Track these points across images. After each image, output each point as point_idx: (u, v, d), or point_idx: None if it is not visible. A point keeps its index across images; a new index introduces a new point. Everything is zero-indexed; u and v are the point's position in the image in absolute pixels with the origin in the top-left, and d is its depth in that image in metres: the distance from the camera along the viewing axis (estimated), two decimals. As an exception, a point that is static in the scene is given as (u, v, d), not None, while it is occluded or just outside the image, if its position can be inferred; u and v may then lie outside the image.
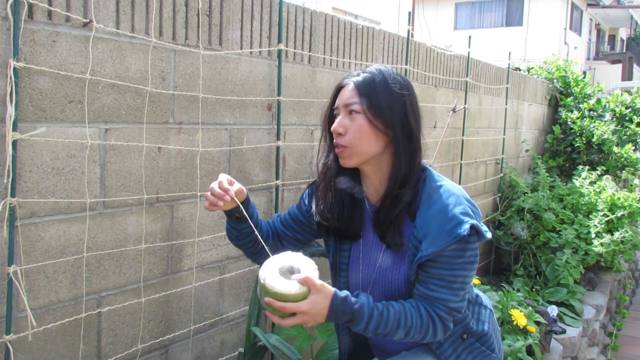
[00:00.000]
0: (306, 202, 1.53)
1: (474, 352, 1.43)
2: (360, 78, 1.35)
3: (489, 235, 1.28)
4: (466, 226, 1.23)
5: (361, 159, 1.34)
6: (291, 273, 1.21)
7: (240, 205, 1.36)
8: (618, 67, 21.61)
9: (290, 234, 1.54)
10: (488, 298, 1.57)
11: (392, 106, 1.32)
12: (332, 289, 1.22)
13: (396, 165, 1.34)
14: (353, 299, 1.24)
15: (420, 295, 1.32)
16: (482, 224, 1.29)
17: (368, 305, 1.25)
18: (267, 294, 1.18)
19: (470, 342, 1.43)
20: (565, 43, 19.73)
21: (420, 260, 1.28)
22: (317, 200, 1.45)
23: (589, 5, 22.19)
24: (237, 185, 1.37)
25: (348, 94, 1.34)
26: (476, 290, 1.54)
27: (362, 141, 1.32)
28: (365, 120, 1.31)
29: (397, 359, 1.44)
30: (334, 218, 1.41)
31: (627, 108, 5.72)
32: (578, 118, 5.33)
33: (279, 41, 2.09)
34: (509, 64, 4.44)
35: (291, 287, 1.18)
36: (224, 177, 1.34)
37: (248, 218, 1.39)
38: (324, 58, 2.37)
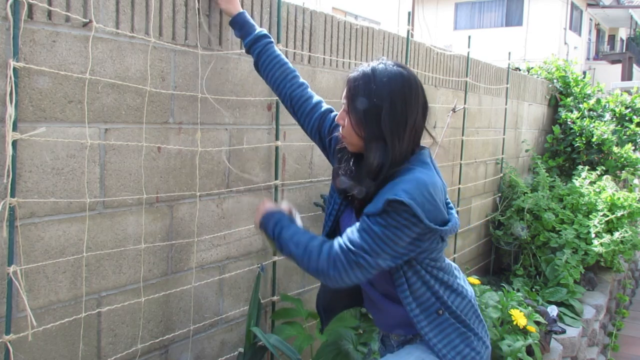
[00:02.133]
0: (328, 125, 1.71)
1: (450, 329, 1.50)
2: (352, 77, 1.47)
3: (425, 221, 1.35)
4: (393, 197, 1.34)
5: (355, 149, 1.51)
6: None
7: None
8: (618, 67, 21.62)
9: (302, 111, 1.75)
10: (472, 292, 1.62)
11: (367, 111, 1.43)
12: (270, 209, 1.57)
13: (369, 162, 1.45)
14: (270, 222, 1.54)
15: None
16: (425, 210, 1.35)
17: (273, 229, 1.53)
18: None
19: (445, 317, 1.50)
20: (565, 43, 19.74)
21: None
22: (335, 155, 1.64)
23: (589, 5, 22.20)
24: None
25: (344, 92, 1.50)
26: (463, 284, 1.59)
27: (351, 137, 1.48)
28: (349, 120, 1.46)
29: (390, 358, 1.54)
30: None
31: (626, 108, 5.72)
32: (578, 118, 5.33)
33: (278, 41, 2.09)
34: (509, 64, 4.45)
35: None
36: None
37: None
38: (324, 58, 2.37)
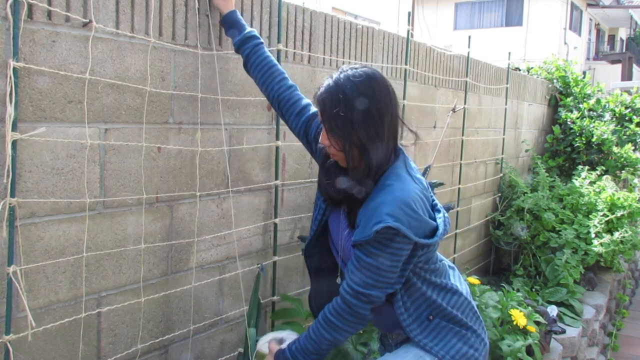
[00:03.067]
0: (314, 130, 1.71)
1: (444, 331, 1.51)
2: (318, 96, 1.47)
3: (415, 238, 1.37)
4: (381, 225, 1.34)
5: (345, 164, 1.50)
6: (281, 343, 1.64)
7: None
8: (618, 67, 21.62)
9: (289, 113, 1.75)
10: (468, 289, 1.63)
11: (340, 122, 1.42)
12: (277, 350, 1.57)
13: (350, 168, 1.48)
14: (283, 352, 1.54)
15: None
16: (412, 227, 1.36)
17: (290, 351, 1.52)
18: (256, 355, 1.71)
19: (437, 322, 1.51)
20: (565, 43, 19.74)
21: (351, 243, 1.45)
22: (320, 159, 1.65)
23: (589, 5, 22.19)
24: None
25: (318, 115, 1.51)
26: (454, 281, 1.60)
27: (338, 155, 1.49)
28: (330, 140, 1.47)
29: (388, 357, 1.56)
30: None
31: (626, 108, 5.72)
32: (578, 118, 5.33)
33: (278, 41, 2.09)
34: (509, 64, 4.44)
35: (264, 349, 1.66)
36: None
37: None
38: (324, 58, 2.37)
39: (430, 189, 1.58)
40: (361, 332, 2.21)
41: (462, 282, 1.63)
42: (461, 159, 3.74)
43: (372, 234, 1.35)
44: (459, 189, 3.75)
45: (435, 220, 1.48)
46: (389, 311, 1.55)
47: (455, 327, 1.51)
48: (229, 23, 1.79)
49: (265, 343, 1.66)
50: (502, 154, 4.51)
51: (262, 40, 1.80)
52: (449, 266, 1.65)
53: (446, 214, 1.53)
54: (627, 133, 5.55)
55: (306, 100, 1.76)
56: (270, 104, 1.81)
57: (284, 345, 1.57)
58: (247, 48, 1.77)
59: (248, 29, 1.79)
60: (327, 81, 1.46)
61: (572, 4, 20.28)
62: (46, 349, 1.49)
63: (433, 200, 1.54)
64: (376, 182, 1.44)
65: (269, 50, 2.07)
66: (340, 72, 1.46)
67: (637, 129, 5.55)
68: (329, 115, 1.44)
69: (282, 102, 1.76)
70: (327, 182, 1.56)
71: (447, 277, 1.58)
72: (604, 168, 5.01)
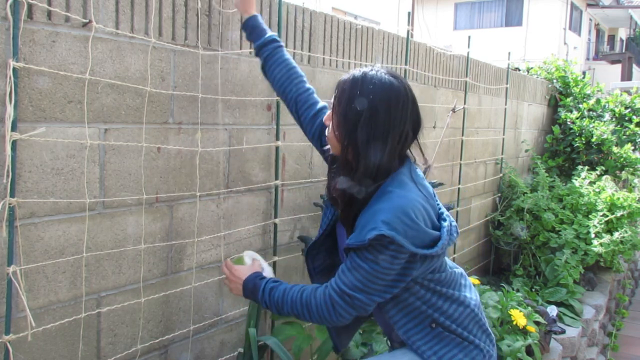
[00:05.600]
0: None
1: (445, 340, 1.48)
2: (342, 80, 1.46)
3: (411, 248, 1.34)
4: (375, 232, 1.32)
5: (335, 151, 1.50)
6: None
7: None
8: (617, 67, 21.62)
9: (305, 116, 1.75)
10: (477, 300, 1.59)
11: (347, 115, 1.41)
12: (256, 271, 1.60)
13: (342, 163, 1.48)
14: (259, 290, 1.54)
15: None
16: (408, 237, 1.34)
17: (263, 296, 1.53)
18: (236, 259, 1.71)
19: (439, 330, 1.48)
20: (565, 43, 19.74)
21: (344, 246, 1.44)
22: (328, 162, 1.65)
23: (589, 5, 22.20)
24: None
25: (334, 93, 1.48)
26: (464, 291, 1.56)
27: (332, 139, 1.48)
28: (332, 122, 1.46)
29: (384, 357, 1.55)
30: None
31: (626, 108, 5.73)
32: (577, 118, 5.33)
33: (279, 41, 2.09)
34: (509, 64, 4.45)
35: (248, 259, 1.71)
36: None
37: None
38: (324, 58, 2.37)
39: (435, 195, 1.54)
40: (361, 332, 2.21)
41: (472, 292, 1.58)
42: (461, 159, 3.74)
43: (366, 240, 1.34)
44: (458, 189, 3.75)
45: (441, 229, 1.44)
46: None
47: (457, 337, 1.48)
48: (250, 27, 1.79)
49: (251, 257, 1.71)
50: (502, 154, 4.52)
51: (282, 43, 1.79)
52: (461, 274, 1.59)
53: (454, 223, 1.49)
54: (627, 133, 5.55)
55: (322, 104, 1.74)
56: (287, 106, 1.79)
57: (265, 273, 1.61)
58: (267, 50, 1.76)
59: (269, 33, 1.78)
60: (356, 72, 1.44)
61: (572, 4, 20.28)
62: (46, 349, 1.49)
63: (440, 209, 1.50)
64: (377, 188, 1.42)
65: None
66: (372, 70, 1.44)
67: (637, 129, 5.55)
68: (343, 103, 1.42)
69: (298, 104, 1.74)
70: (330, 185, 1.55)
71: (455, 287, 1.53)
72: (604, 168, 5.01)
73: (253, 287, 1.54)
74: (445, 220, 1.46)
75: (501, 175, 4.55)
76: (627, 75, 20.48)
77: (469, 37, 3.78)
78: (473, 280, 2.87)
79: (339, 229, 1.63)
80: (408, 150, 1.50)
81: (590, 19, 23.68)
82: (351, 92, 1.41)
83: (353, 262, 1.39)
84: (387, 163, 1.42)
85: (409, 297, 1.47)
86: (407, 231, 1.33)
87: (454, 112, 3.23)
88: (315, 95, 1.75)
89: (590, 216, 4.21)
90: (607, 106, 5.71)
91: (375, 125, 1.39)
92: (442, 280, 1.49)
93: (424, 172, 1.63)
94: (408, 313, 1.49)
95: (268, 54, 1.76)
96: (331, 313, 1.43)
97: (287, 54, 1.78)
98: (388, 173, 1.42)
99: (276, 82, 1.77)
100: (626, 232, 4.09)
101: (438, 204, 1.52)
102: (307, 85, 1.76)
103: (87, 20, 1.48)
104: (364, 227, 1.36)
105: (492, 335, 1.58)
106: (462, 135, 3.71)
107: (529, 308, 2.94)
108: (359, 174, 1.41)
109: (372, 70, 1.43)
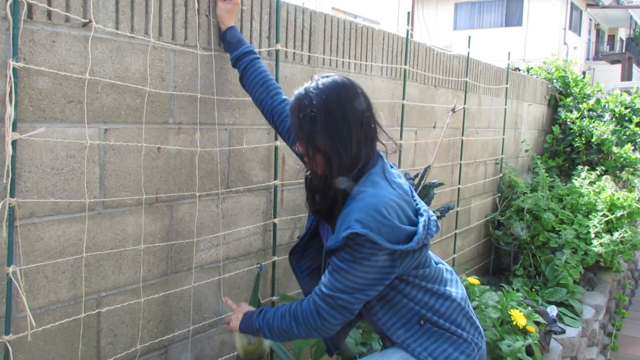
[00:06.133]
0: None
1: (435, 336, 1.50)
2: (289, 106, 1.53)
3: (386, 244, 1.36)
4: (348, 231, 1.35)
5: (312, 169, 1.55)
6: None
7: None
8: (617, 67, 21.63)
9: (282, 127, 1.80)
10: (463, 293, 1.60)
11: (304, 127, 1.45)
12: (249, 309, 1.64)
13: (314, 174, 1.54)
14: (254, 315, 1.59)
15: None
16: (382, 234, 1.36)
17: (257, 319, 1.57)
18: None
19: (428, 327, 1.50)
20: (565, 43, 19.74)
21: (325, 249, 1.49)
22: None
23: (589, 5, 22.20)
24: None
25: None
26: (449, 285, 1.58)
27: (310, 165, 1.53)
28: (300, 148, 1.51)
29: (374, 357, 1.56)
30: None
31: (626, 108, 5.73)
32: (577, 118, 5.34)
33: (277, 41, 2.09)
34: (509, 64, 4.45)
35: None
36: None
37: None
38: (324, 58, 2.37)
39: (412, 192, 1.55)
40: (361, 332, 2.21)
41: (458, 286, 1.60)
42: (461, 159, 3.74)
43: (341, 240, 1.37)
44: (458, 189, 3.75)
45: (418, 224, 1.46)
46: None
47: (446, 332, 1.50)
48: (228, 38, 1.83)
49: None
50: (502, 154, 4.52)
51: (258, 55, 1.83)
52: (446, 269, 1.62)
53: (433, 217, 1.50)
54: (627, 133, 5.56)
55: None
56: (265, 118, 1.84)
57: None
58: (243, 63, 1.81)
59: (246, 44, 1.82)
60: (299, 89, 1.50)
61: (572, 4, 20.28)
62: (46, 349, 1.49)
63: (417, 204, 1.51)
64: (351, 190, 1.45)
65: (269, 51, 2.08)
66: (312, 81, 1.49)
67: (637, 129, 5.55)
68: (295, 121, 1.48)
69: (275, 116, 1.79)
70: (308, 195, 1.61)
71: (441, 282, 1.55)
72: (604, 168, 5.01)
73: (251, 314, 1.60)
74: (422, 215, 1.47)
75: (501, 175, 4.55)
76: (627, 75, 20.48)
77: (469, 37, 3.78)
78: (473, 280, 2.87)
79: (321, 229, 1.66)
80: (379, 149, 1.55)
81: (590, 19, 23.68)
82: (300, 106, 1.46)
83: (333, 265, 1.42)
84: (359, 154, 1.45)
85: (395, 295, 1.49)
86: (381, 228, 1.36)
87: (454, 112, 3.23)
88: None
89: (590, 216, 4.21)
90: (607, 106, 5.71)
91: (334, 123, 1.43)
92: (427, 276, 1.52)
93: (424, 173, 1.64)
94: (396, 312, 1.50)
95: (245, 66, 1.81)
96: (316, 319, 1.45)
97: (264, 65, 1.83)
98: (364, 165, 1.46)
99: (253, 94, 1.83)
100: (626, 232, 4.09)
101: (415, 200, 1.53)
102: (283, 96, 1.81)
103: (87, 21, 1.48)
104: (339, 229, 1.39)
105: (480, 327, 1.61)
106: (462, 135, 3.71)
107: (529, 308, 2.94)
108: (334, 175, 1.45)
109: (311, 82, 1.49)
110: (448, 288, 1.55)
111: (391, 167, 1.57)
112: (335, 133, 1.42)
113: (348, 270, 1.39)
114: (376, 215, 1.36)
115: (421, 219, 1.45)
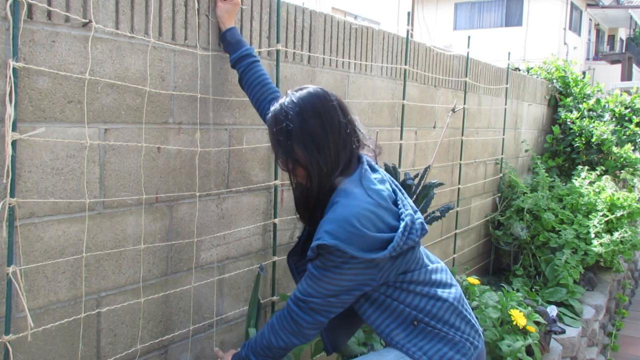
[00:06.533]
0: None
1: (429, 336, 1.50)
2: (267, 124, 1.57)
3: (358, 254, 1.37)
4: (317, 242, 1.39)
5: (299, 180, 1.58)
6: None
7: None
8: (617, 67, 21.63)
9: None
10: (457, 292, 1.59)
11: (280, 142, 1.49)
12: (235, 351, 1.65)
13: (297, 187, 1.59)
14: (239, 351, 1.62)
15: None
16: (354, 243, 1.38)
17: (242, 350, 1.60)
18: None
19: (422, 327, 1.51)
20: (565, 43, 19.75)
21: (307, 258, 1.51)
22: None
23: (589, 5, 22.21)
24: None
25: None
26: (445, 289, 1.57)
27: (295, 177, 1.56)
28: (280, 163, 1.56)
29: (369, 356, 1.57)
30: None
31: (626, 108, 5.73)
32: (577, 118, 5.34)
33: (277, 41, 2.09)
34: (509, 64, 4.45)
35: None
36: None
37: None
38: (324, 58, 2.37)
39: (397, 196, 1.54)
40: (363, 331, 2.21)
41: (452, 286, 1.59)
42: (461, 159, 3.74)
43: (313, 250, 1.41)
44: (458, 189, 3.75)
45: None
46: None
47: (440, 332, 1.50)
48: (228, 39, 1.84)
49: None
50: (502, 154, 4.52)
51: (257, 58, 1.85)
52: (440, 269, 1.60)
53: (418, 220, 1.48)
54: (627, 133, 5.56)
55: None
56: (263, 121, 1.84)
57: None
58: (242, 66, 1.83)
59: (245, 46, 1.83)
60: (275, 105, 1.52)
61: (572, 4, 20.29)
62: (46, 349, 1.49)
63: (400, 209, 1.50)
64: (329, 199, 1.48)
65: (269, 51, 2.08)
66: (287, 96, 1.51)
67: (637, 129, 5.55)
68: (272, 136, 1.51)
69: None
70: (295, 204, 1.64)
71: (432, 284, 1.54)
72: (604, 168, 5.01)
73: (237, 352, 1.63)
74: (403, 220, 1.46)
75: (501, 175, 4.55)
76: (627, 75, 20.48)
77: (469, 37, 3.78)
78: (473, 280, 2.87)
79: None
80: (367, 153, 1.57)
81: (590, 19, 23.68)
82: (276, 121, 1.49)
83: (307, 272, 1.47)
84: (338, 162, 1.47)
85: (386, 299, 1.51)
86: (352, 238, 1.37)
87: (454, 112, 3.22)
88: None
89: (590, 216, 4.21)
90: (607, 106, 5.71)
91: (310, 134, 1.45)
92: (417, 280, 1.52)
93: (423, 173, 1.64)
94: (389, 315, 1.51)
95: (243, 69, 1.83)
96: (290, 323, 1.50)
97: (262, 69, 1.85)
98: (343, 171, 1.48)
99: (251, 97, 1.85)
100: (626, 232, 4.09)
101: (399, 204, 1.52)
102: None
103: (87, 20, 1.48)
104: (314, 240, 1.43)
105: (477, 325, 1.60)
106: (462, 135, 3.71)
107: (529, 308, 2.94)
108: (314, 185, 1.48)
109: (286, 97, 1.51)
110: (440, 290, 1.55)
111: (375, 171, 1.56)
112: (312, 144, 1.45)
113: (320, 277, 1.43)
114: (346, 226, 1.38)
115: (401, 224, 1.44)
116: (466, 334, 1.53)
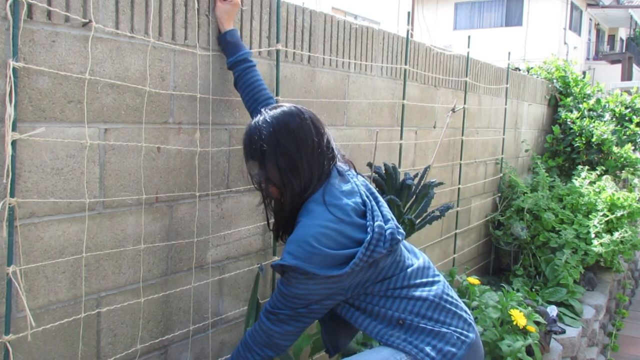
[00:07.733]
0: None
1: (418, 331, 1.51)
2: (243, 144, 1.58)
3: (319, 272, 1.40)
4: (277, 262, 1.44)
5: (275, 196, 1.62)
6: None
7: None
8: (617, 67, 21.63)
9: None
10: (440, 288, 1.58)
11: (254, 158, 1.52)
12: None
13: (274, 205, 1.63)
14: None
15: None
16: (314, 262, 1.40)
17: None
18: None
19: (408, 324, 1.52)
20: (565, 43, 19.75)
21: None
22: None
23: (589, 5, 22.21)
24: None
25: None
26: (424, 288, 1.57)
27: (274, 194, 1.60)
28: (254, 183, 1.60)
29: (354, 358, 1.58)
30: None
31: (626, 108, 5.72)
32: (578, 118, 5.33)
33: (277, 41, 2.09)
34: (509, 64, 4.45)
35: None
36: None
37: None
38: (324, 58, 2.37)
39: (367, 206, 1.52)
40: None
41: (433, 282, 1.59)
42: (461, 159, 3.74)
43: (276, 269, 1.46)
44: (458, 189, 3.75)
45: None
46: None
47: (426, 327, 1.51)
48: (226, 42, 1.85)
49: None
50: (502, 154, 4.52)
51: (254, 62, 1.86)
52: (420, 268, 1.59)
53: (388, 231, 1.46)
54: (627, 133, 5.55)
55: None
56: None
57: None
58: (238, 70, 1.85)
59: (243, 50, 1.85)
60: (250, 122, 1.55)
61: (572, 4, 20.29)
62: (46, 349, 1.49)
63: (368, 221, 1.48)
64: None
65: (269, 51, 2.08)
66: (261, 114, 1.53)
67: (637, 129, 5.55)
68: (246, 153, 1.53)
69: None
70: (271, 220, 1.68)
71: (411, 287, 1.54)
72: (604, 168, 5.01)
73: None
74: (368, 233, 1.45)
75: (501, 175, 4.55)
76: (627, 75, 20.48)
77: (469, 37, 3.78)
78: (473, 280, 2.87)
79: None
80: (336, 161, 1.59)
81: (590, 19, 23.68)
82: (251, 140, 1.51)
83: (276, 286, 1.52)
84: (311, 180, 1.50)
85: (367, 305, 1.54)
86: (312, 257, 1.40)
87: (454, 112, 3.22)
88: None
89: (590, 216, 4.21)
90: (607, 106, 5.70)
91: (283, 153, 1.48)
92: (399, 286, 1.54)
93: (423, 173, 1.64)
94: (375, 318, 1.54)
95: (239, 74, 1.85)
96: (262, 336, 1.55)
97: (258, 74, 1.87)
98: (315, 189, 1.51)
99: (245, 101, 1.87)
100: (626, 232, 4.09)
101: (369, 216, 1.49)
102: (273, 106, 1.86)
103: (87, 20, 1.48)
104: (279, 259, 1.47)
105: (466, 315, 1.59)
106: (462, 135, 3.71)
107: (529, 308, 2.94)
108: (287, 203, 1.51)
109: (261, 115, 1.53)
110: (420, 289, 1.55)
111: (346, 182, 1.56)
112: (285, 164, 1.48)
113: (285, 292, 1.48)
114: (305, 246, 1.40)
115: (367, 238, 1.44)
116: (453, 326, 1.53)
